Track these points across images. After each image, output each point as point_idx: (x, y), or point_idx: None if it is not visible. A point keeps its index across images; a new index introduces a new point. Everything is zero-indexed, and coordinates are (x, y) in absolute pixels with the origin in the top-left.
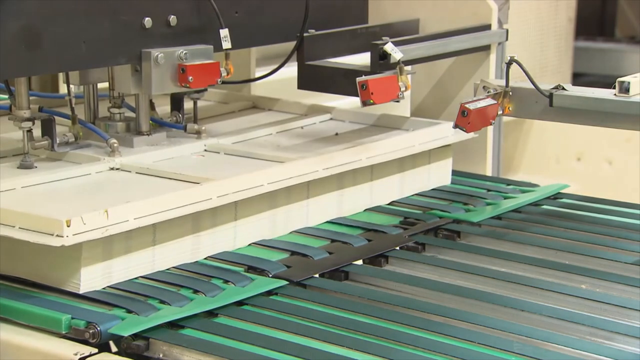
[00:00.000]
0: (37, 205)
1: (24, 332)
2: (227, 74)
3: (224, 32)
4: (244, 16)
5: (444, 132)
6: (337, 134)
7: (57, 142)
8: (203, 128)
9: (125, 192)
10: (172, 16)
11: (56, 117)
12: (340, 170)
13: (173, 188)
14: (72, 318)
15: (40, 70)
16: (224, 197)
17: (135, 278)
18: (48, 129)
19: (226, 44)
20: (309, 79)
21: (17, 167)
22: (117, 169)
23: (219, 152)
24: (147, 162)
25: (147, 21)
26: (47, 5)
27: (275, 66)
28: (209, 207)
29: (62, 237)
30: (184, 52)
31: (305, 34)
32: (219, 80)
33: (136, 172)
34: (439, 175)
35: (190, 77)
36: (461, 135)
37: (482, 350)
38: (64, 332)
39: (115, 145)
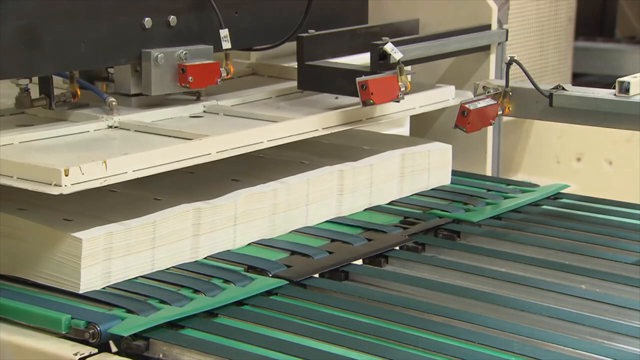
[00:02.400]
0: (35, 158)
1: (24, 332)
2: (227, 74)
3: (224, 32)
4: (244, 16)
5: (445, 95)
6: (337, 97)
7: (55, 100)
8: (114, 103)
9: (124, 147)
10: (172, 16)
11: (54, 77)
12: (339, 129)
13: (172, 144)
14: (72, 318)
15: (40, 70)
16: (223, 152)
17: (135, 278)
18: (45, 88)
19: (226, 44)
20: (309, 79)
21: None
22: (115, 127)
23: (218, 113)
24: (146, 121)
25: (147, 21)
26: (47, 5)
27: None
28: (207, 160)
29: (61, 186)
30: (184, 52)
31: (305, 34)
32: (218, 80)
33: (135, 130)
34: (439, 175)
35: (190, 77)
36: (461, 99)
37: (482, 350)
38: (64, 332)
39: (114, 103)
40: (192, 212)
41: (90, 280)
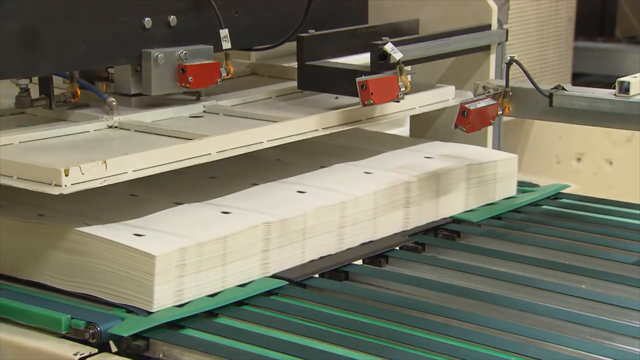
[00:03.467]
0: (35, 158)
1: (24, 332)
2: (227, 74)
3: (224, 32)
4: (244, 16)
5: (445, 95)
6: (337, 97)
7: (55, 100)
8: (114, 103)
9: (124, 147)
10: (172, 16)
11: (54, 77)
12: (339, 129)
13: (172, 144)
14: (72, 318)
15: (40, 70)
16: (223, 152)
17: None
18: (45, 88)
19: (226, 44)
20: (309, 79)
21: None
22: (115, 127)
23: (218, 113)
24: (146, 121)
25: (147, 21)
26: (47, 5)
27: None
28: (207, 161)
29: (61, 186)
30: (184, 52)
31: (305, 34)
32: (218, 80)
33: (135, 130)
34: (504, 186)
35: (190, 77)
36: (461, 99)
37: (482, 350)
38: (64, 332)
39: (114, 104)
40: (262, 227)
41: (163, 298)
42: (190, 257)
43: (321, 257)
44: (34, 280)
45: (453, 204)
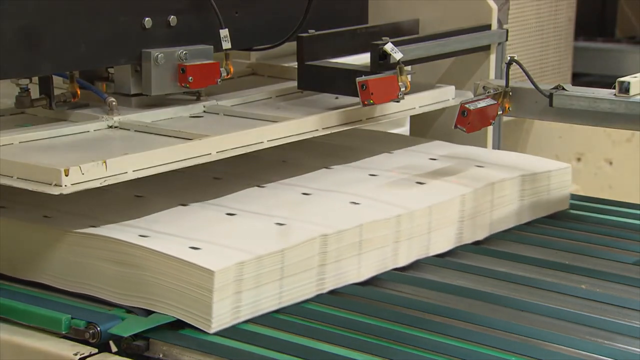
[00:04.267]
0: (35, 158)
1: (24, 332)
2: (227, 74)
3: (224, 32)
4: (244, 16)
5: (445, 95)
6: (337, 97)
7: (55, 100)
8: (114, 103)
9: (124, 147)
10: (172, 16)
11: (54, 77)
12: (339, 129)
13: (172, 144)
14: (72, 318)
15: (40, 70)
16: (223, 152)
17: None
18: (45, 88)
19: (226, 44)
20: (309, 79)
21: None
22: (115, 127)
23: (218, 113)
24: (146, 121)
25: (147, 21)
26: (47, 5)
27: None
28: (207, 161)
29: (61, 186)
30: (184, 52)
31: (305, 34)
32: (218, 80)
33: (135, 130)
34: (558, 198)
35: (190, 77)
36: (461, 99)
37: (482, 350)
38: (64, 332)
39: (114, 103)
40: (319, 240)
41: (221, 315)
42: (248, 271)
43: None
44: (83, 292)
45: (506, 218)
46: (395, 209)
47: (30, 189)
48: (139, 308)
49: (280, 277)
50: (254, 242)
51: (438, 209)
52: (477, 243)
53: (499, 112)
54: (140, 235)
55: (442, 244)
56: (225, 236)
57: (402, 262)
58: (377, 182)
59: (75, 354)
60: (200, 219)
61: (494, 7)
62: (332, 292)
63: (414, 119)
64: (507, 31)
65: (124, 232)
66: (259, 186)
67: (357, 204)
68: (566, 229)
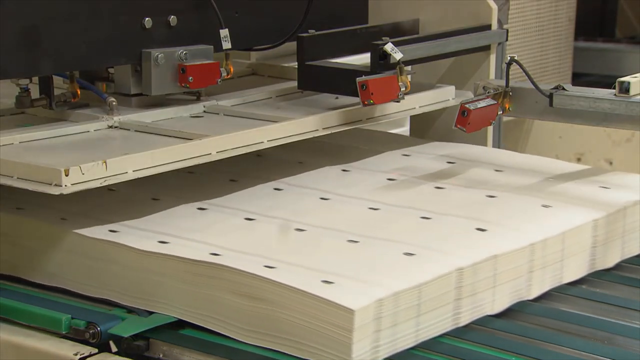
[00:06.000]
0: (35, 158)
1: (24, 332)
2: (227, 74)
3: (224, 32)
4: (244, 16)
5: (445, 95)
6: (337, 97)
7: (55, 100)
8: (114, 103)
9: (124, 147)
10: (172, 16)
11: (54, 77)
12: (339, 129)
13: (172, 144)
14: (72, 318)
15: (40, 70)
16: (223, 153)
17: None
18: (45, 88)
19: (226, 44)
20: (309, 79)
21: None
22: (115, 127)
23: (218, 113)
24: (146, 121)
25: (147, 21)
26: (47, 5)
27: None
28: (207, 161)
29: (61, 186)
30: (184, 52)
31: (305, 34)
32: (219, 80)
33: (135, 130)
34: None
35: (190, 78)
36: (461, 99)
37: (483, 350)
38: (64, 332)
39: (114, 103)
40: (454, 274)
41: (361, 356)
42: (387, 309)
43: None
44: (204, 325)
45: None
46: (527, 236)
47: (30, 189)
48: (141, 309)
49: (417, 315)
50: (387, 275)
51: (570, 235)
52: (607, 270)
53: (499, 112)
54: (266, 266)
55: (575, 272)
56: (355, 267)
57: (536, 293)
58: (497, 204)
59: (75, 354)
60: (321, 246)
61: (494, 7)
62: (467, 326)
63: (414, 119)
64: (507, 31)
65: (249, 262)
66: (322, 199)
67: (484, 230)
68: None
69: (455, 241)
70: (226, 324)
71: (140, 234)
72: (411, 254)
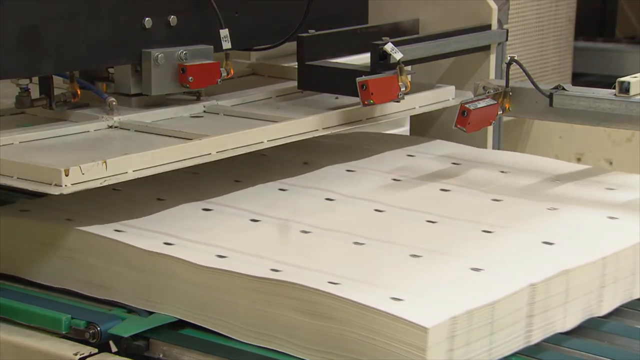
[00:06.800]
0: (35, 158)
1: (24, 332)
2: (227, 74)
3: (224, 32)
4: (244, 16)
5: (445, 95)
6: (337, 97)
7: (55, 100)
8: (114, 103)
9: (124, 147)
10: (172, 16)
11: (54, 77)
12: (339, 129)
13: (172, 144)
14: (72, 318)
15: (40, 70)
16: (223, 152)
17: None
18: (45, 88)
19: (226, 44)
20: (309, 79)
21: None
22: (115, 127)
23: (218, 113)
24: (146, 121)
25: (147, 21)
26: (47, 5)
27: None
28: (207, 161)
29: (61, 186)
30: (184, 52)
31: (305, 34)
32: (219, 80)
33: (135, 130)
34: None
35: (190, 78)
36: (461, 99)
37: None
38: (64, 332)
39: (114, 103)
40: (527, 290)
41: None
42: (460, 327)
43: None
44: (263, 344)
45: None
46: (597, 250)
47: (30, 189)
48: (141, 309)
49: (490, 333)
50: (458, 292)
51: None
52: None
53: (499, 112)
54: (330, 282)
55: None
56: (421, 283)
57: (607, 309)
58: (561, 215)
59: (75, 354)
60: (381, 259)
61: (494, 7)
62: (539, 344)
63: (414, 119)
64: (507, 31)
65: (311, 278)
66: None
67: (552, 244)
68: None
69: (522, 256)
70: (287, 342)
71: (145, 234)
72: (479, 269)
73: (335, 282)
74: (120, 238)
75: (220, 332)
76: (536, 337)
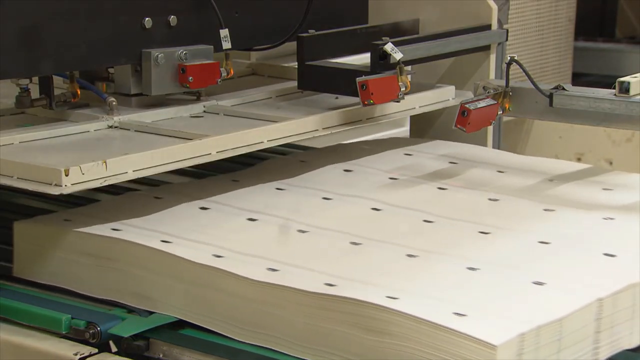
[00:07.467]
0: (35, 158)
1: (24, 332)
2: (227, 74)
3: (224, 32)
4: (244, 16)
5: (445, 95)
6: (337, 97)
7: (55, 100)
8: (114, 103)
9: (124, 147)
10: (172, 16)
11: (54, 77)
12: (339, 129)
13: (172, 144)
14: (72, 318)
15: (40, 70)
16: (223, 152)
17: None
18: (45, 88)
19: (226, 44)
20: (309, 79)
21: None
22: (115, 127)
23: (218, 113)
24: (146, 121)
25: (147, 21)
26: (47, 5)
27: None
28: (207, 161)
29: (61, 186)
30: (184, 52)
31: (305, 34)
32: (219, 80)
33: (135, 130)
34: None
35: (190, 77)
36: (461, 99)
37: None
38: (64, 332)
39: (114, 103)
40: (595, 305)
41: None
42: (528, 344)
43: None
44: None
45: None
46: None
47: (30, 188)
48: (141, 309)
49: (558, 350)
50: (524, 307)
51: None
52: None
53: (499, 112)
54: (388, 297)
55: None
56: (482, 297)
57: None
58: (615, 226)
59: (75, 354)
60: (433, 270)
61: (494, 7)
62: None
63: (414, 119)
64: (507, 31)
65: (366, 291)
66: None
67: (613, 255)
68: None
69: (584, 268)
70: (340, 357)
71: (145, 233)
72: (541, 283)
73: (394, 297)
74: (168, 249)
75: (273, 348)
76: (603, 355)
